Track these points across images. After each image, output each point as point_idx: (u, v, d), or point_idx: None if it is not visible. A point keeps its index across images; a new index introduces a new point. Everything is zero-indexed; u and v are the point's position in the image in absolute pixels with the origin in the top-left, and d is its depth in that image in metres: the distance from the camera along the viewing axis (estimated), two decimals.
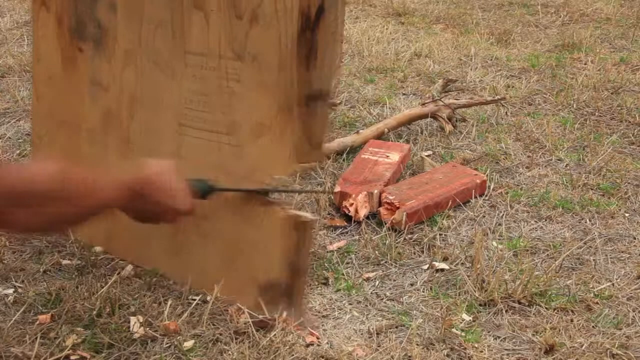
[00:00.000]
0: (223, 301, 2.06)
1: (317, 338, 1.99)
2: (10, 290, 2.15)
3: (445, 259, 2.40)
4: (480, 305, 2.17)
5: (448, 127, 3.42)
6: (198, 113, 2.04)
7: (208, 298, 2.07)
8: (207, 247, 2.11)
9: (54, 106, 2.37)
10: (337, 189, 2.68)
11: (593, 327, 2.08)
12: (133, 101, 2.18)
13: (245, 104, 1.95)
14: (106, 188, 1.46)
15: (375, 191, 2.64)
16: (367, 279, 2.30)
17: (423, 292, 2.24)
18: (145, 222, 1.67)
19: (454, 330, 2.04)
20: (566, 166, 3.15)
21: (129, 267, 2.26)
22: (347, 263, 2.38)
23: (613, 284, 2.30)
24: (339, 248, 2.46)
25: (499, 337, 2.04)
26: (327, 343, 1.98)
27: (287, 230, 1.94)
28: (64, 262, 2.29)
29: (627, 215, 2.76)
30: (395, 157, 2.96)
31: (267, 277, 2.01)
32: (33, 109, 2.47)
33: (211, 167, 2.03)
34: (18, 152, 3.07)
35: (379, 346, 1.97)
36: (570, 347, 1.97)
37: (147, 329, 1.96)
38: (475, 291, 2.19)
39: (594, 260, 2.44)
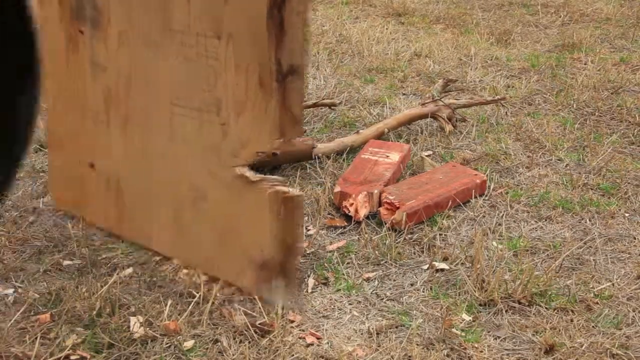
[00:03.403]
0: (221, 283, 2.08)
1: (318, 338, 1.99)
2: (10, 290, 2.15)
3: (445, 259, 2.40)
4: (480, 305, 2.17)
5: (448, 127, 3.42)
6: (185, 91, 2.10)
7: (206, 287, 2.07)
8: (204, 226, 2.16)
9: (60, 86, 2.43)
10: (337, 189, 2.68)
11: (593, 327, 2.08)
12: (129, 81, 2.24)
13: (224, 81, 2.01)
14: None
15: (375, 191, 2.64)
16: (367, 279, 2.30)
17: (423, 292, 2.24)
18: None
19: (454, 330, 2.04)
20: (566, 166, 3.15)
21: (130, 269, 2.26)
22: (347, 263, 2.38)
23: (613, 284, 2.30)
24: (339, 248, 2.46)
25: (499, 337, 2.04)
26: (327, 343, 1.98)
27: (275, 206, 1.99)
28: (65, 262, 2.29)
29: (627, 215, 2.76)
30: (395, 157, 2.96)
31: (261, 254, 2.05)
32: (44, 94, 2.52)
33: (202, 146, 2.10)
34: None
35: (379, 346, 1.97)
36: (570, 347, 1.97)
37: (147, 329, 1.96)
38: (475, 291, 2.19)
39: (594, 260, 2.44)
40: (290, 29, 1.86)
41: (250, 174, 2.02)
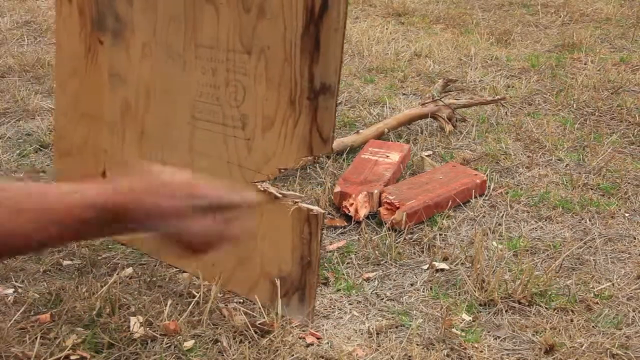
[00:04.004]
0: (237, 295, 2.07)
1: (318, 338, 1.99)
2: (10, 290, 2.15)
3: (445, 259, 2.39)
4: (480, 305, 2.17)
5: (448, 127, 3.42)
6: (209, 106, 2.08)
7: (213, 293, 2.07)
8: None
9: (76, 98, 2.41)
10: (337, 189, 2.68)
11: (593, 327, 2.08)
12: (149, 93, 2.21)
13: (252, 97, 1.98)
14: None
15: (375, 191, 2.64)
16: (367, 279, 2.30)
17: (423, 292, 2.24)
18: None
19: (454, 330, 2.04)
20: (566, 166, 3.15)
21: (130, 269, 2.26)
22: (347, 263, 2.38)
23: (613, 284, 2.30)
24: (338, 248, 2.46)
25: (499, 337, 2.04)
26: (327, 343, 1.98)
27: (297, 224, 1.97)
28: (65, 262, 2.29)
29: (627, 215, 2.76)
30: (395, 157, 2.96)
31: (279, 270, 2.03)
32: (57, 101, 2.50)
33: (224, 161, 2.07)
34: (18, 152, 3.07)
35: (379, 346, 1.97)
36: (570, 347, 1.97)
37: (147, 329, 1.96)
38: (475, 291, 2.19)
39: (594, 260, 2.44)
40: (326, 46, 1.82)
41: (274, 190, 2.01)
